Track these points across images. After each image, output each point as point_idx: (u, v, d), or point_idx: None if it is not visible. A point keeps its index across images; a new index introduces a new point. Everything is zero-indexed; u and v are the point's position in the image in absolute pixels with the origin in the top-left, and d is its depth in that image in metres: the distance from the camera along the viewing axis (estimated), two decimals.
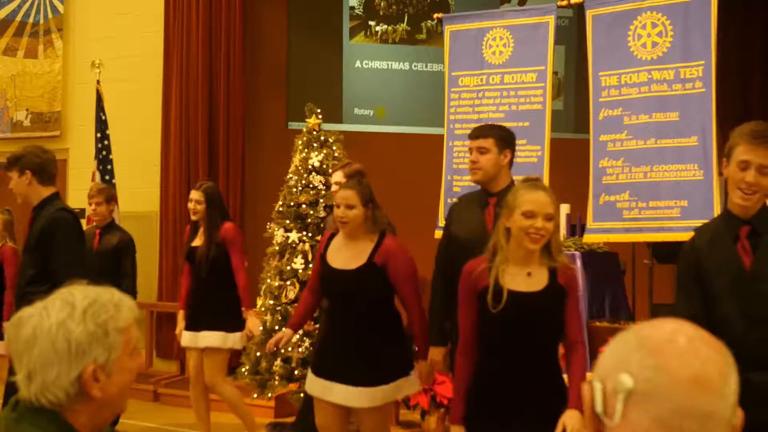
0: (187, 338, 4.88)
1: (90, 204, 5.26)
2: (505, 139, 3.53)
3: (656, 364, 1.01)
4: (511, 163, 3.56)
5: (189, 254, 4.89)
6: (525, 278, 2.70)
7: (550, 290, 2.70)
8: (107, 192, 5.36)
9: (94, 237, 5.16)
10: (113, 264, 5.09)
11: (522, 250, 2.70)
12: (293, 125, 8.17)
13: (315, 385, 3.52)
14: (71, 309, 1.49)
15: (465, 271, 2.78)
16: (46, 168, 3.94)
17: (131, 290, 5.07)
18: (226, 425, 6.03)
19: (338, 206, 3.48)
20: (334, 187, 4.92)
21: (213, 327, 4.77)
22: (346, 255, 3.47)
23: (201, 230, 4.87)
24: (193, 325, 4.86)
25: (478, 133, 3.52)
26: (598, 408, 1.04)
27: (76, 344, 1.47)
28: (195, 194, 4.84)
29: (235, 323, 4.80)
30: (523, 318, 2.67)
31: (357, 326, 3.44)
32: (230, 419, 6.22)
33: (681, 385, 0.99)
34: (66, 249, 3.78)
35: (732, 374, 1.01)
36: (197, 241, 4.85)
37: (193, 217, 4.88)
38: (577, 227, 5.96)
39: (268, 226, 6.09)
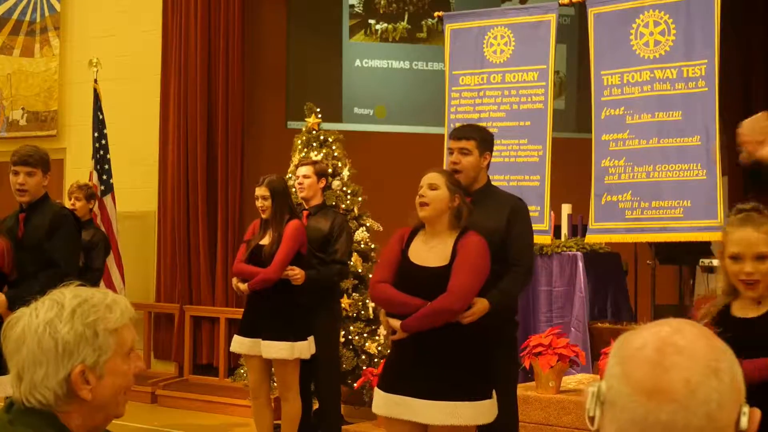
0: (247, 345, 4.52)
1: (70, 199, 5.49)
2: (486, 141, 3.52)
3: (622, 372, 0.99)
4: (489, 165, 3.54)
5: (254, 252, 4.54)
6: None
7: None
8: (87, 190, 5.57)
9: None
10: (85, 259, 5.21)
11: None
12: (292, 124, 8.12)
13: (387, 403, 3.12)
14: (59, 309, 1.48)
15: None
16: None
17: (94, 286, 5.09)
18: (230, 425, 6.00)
19: (420, 187, 3.18)
20: (300, 181, 4.83)
21: (280, 336, 4.41)
22: (429, 251, 3.18)
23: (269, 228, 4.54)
24: (255, 332, 4.49)
25: (460, 134, 3.49)
26: (588, 412, 1.02)
27: (63, 344, 1.45)
28: (260, 190, 4.53)
29: (302, 330, 4.50)
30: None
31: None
32: (230, 420, 6.18)
33: (638, 396, 0.97)
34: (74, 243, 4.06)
35: (707, 382, 0.96)
36: (266, 239, 4.52)
37: (263, 216, 4.55)
38: (578, 227, 5.92)
39: None
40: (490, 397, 3.11)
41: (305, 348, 4.46)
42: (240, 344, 4.54)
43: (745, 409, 0.98)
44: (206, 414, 6.34)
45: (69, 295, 1.51)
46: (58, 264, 3.86)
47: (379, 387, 3.17)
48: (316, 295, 4.61)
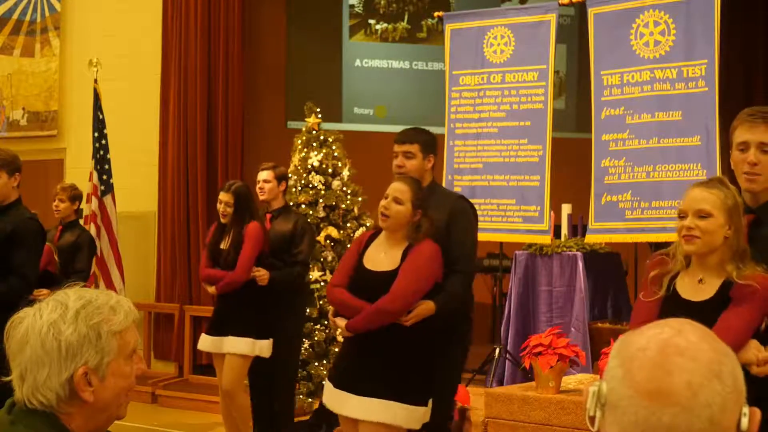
0: (210, 343, 4.65)
1: (54, 200, 5.44)
2: (429, 144, 3.60)
3: (623, 374, 0.99)
4: (433, 167, 3.62)
5: (212, 255, 4.69)
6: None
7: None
8: (71, 191, 5.53)
9: (56, 232, 5.36)
10: (69, 260, 5.21)
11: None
12: (292, 124, 8.13)
13: (331, 396, 3.24)
14: (64, 310, 1.48)
15: None
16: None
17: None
18: None
19: (386, 197, 3.29)
20: (260, 185, 4.85)
21: (243, 333, 4.54)
22: (382, 256, 3.28)
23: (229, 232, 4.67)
24: (218, 330, 4.62)
25: (404, 138, 3.59)
26: (588, 412, 1.02)
27: (66, 345, 1.45)
28: (225, 196, 4.64)
29: (265, 329, 4.60)
30: None
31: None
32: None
33: (640, 398, 0.97)
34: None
35: (710, 385, 0.96)
36: (223, 244, 4.66)
37: (223, 220, 4.68)
38: (578, 227, 5.92)
39: None
40: (424, 404, 3.17)
41: (265, 347, 4.59)
42: (204, 342, 4.68)
43: (746, 410, 0.98)
44: (206, 414, 6.33)
45: (73, 296, 1.51)
46: (20, 273, 3.82)
47: (328, 379, 3.32)
48: (280, 296, 4.71)
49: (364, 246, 3.35)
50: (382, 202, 3.27)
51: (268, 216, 4.88)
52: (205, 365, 7.31)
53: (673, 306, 2.46)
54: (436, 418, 3.27)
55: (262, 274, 4.59)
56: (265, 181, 4.86)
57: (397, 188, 3.27)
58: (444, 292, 3.27)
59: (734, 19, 6.92)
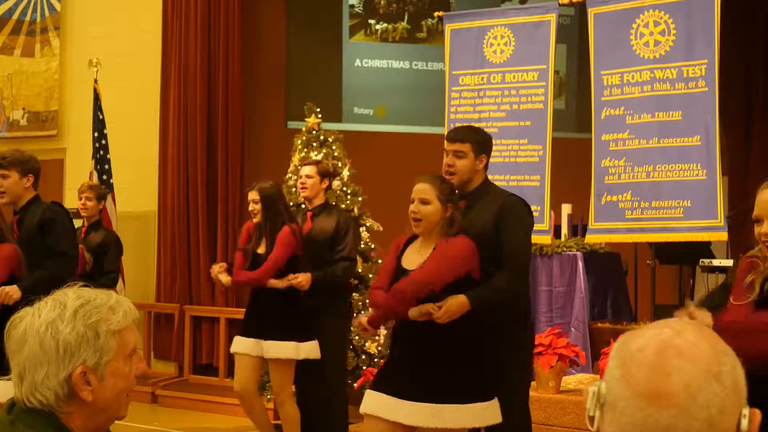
0: (249, 346, 4.54)
1: (80, 198, 5.38)
2: (482, 143, 3.45)
3: (621, 375, 0.99)
4: (486, 166, 3.47)
5: (254, 262, 4.58)
6: None
7: None
8: (98, 190, 5.51)
9: (80, 233, 5.27)
10: (97, 261, 5.17)
11: None
12: (292, 124, 8.12)
13: (375, 401, 3.13)
14: (62, 309, 1.48)
15: None
16: (39, 175, 4.17)
17: (110, 288, 5.05)
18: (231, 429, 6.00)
19: (412, 201, 3.21)
20: (303, 180, 4.78)
21: (285, 337, 4.46)
22: (417, 256, 3.22)
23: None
24: (257, 333, 4.53)
25: (455, 136, 3.45)
26: (588, 412, 1.02)
27: (64, 345, 1.45)
28: (251, 194, 4.60)
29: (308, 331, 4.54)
30: None
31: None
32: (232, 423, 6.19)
33: (638, 400, 0.97)
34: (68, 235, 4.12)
35: (708, 387, 0.96)
36: (261, 248, 4.58)
37: (254, 219, 4.62)
38: (578, 227, 5.92)
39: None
40: (482, 399, 3.06)
41: (310, 349, 4.47)
42: (241, 344, 4.56)
43: (745, 411, 0.98)
44: (206, 414, 6.34)
45: (72, 295, 1.50)
46: (57, 252, 3.98)
47: (371, 387, 3.20)
48: (324, 298, 4.60)
49: (402, 249, 3.28)
50: (411, 207, 3.19)
51: (309, 214, 4.79)
52: (205, 365, 7.32)
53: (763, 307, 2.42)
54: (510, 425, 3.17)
55: (300, 281, 4.47)
56: (307, 176, 4.74)
57: (421, 189, 3.19)
58: (482, 285, 3.16)
59: (734, 19, 6.92)
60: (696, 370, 0.96)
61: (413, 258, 3.21)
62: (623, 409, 0.97)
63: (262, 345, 4.46)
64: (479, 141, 3.43)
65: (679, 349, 0.98)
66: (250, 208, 4.60)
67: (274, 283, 4.48)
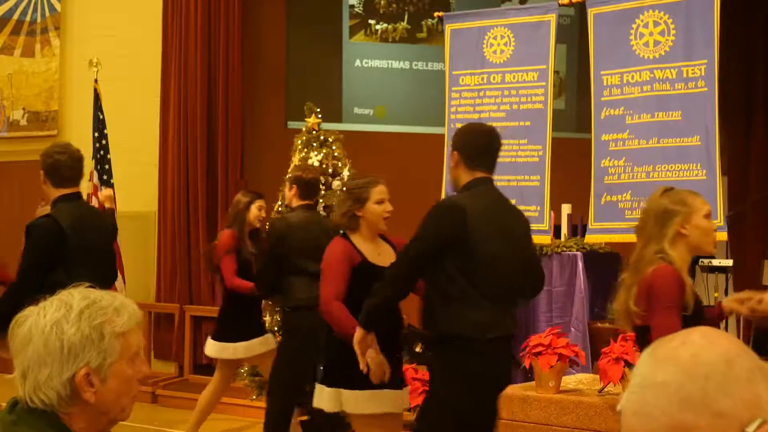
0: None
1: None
2: (453, 141, 3.34)
3: (648, 354, 1.03)
4: (469, 164, 3.27)
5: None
6: None
7: None
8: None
9: None
10: None
11: None
12: (292, 125, 8.12)
13: (385, 400, 3.41)
14: (67, 310, 1.47)
15: None
16: (58, 170, 3.71)
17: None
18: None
19: (382, 201, 3.47)
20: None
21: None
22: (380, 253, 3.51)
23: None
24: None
25: None
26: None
27: (68, 345, 1.45)
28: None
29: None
30: None
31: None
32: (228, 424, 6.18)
33: (650, 362, 1.01)
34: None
35: (715, 363, 0.96)
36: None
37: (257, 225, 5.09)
38: (578, 227, 5.92)
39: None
40: (363, 387, 3.30)
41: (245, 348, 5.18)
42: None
43: (759, 420, 0.93)
44: None
45: (78, 296, 1.50)
46: (20, 270, 3.63)
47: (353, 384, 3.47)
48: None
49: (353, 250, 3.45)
50: (388, 207, 3.44)
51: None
52: (205, 365, 7.31)
53: None
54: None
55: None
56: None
57: (385, 189, 3.47)
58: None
59: (734, 20, 6.92)
60: (710, 348, 0.97)
61: (375, 255, 3.43)
62: (635, 373, 1.00)
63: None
64: (453, 140, 3.31)
65: (704, 333, 1.00)
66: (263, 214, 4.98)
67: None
